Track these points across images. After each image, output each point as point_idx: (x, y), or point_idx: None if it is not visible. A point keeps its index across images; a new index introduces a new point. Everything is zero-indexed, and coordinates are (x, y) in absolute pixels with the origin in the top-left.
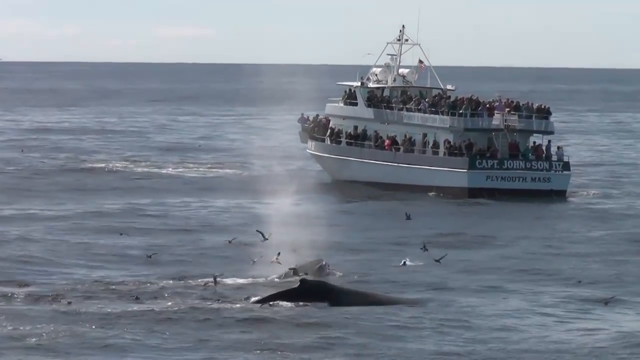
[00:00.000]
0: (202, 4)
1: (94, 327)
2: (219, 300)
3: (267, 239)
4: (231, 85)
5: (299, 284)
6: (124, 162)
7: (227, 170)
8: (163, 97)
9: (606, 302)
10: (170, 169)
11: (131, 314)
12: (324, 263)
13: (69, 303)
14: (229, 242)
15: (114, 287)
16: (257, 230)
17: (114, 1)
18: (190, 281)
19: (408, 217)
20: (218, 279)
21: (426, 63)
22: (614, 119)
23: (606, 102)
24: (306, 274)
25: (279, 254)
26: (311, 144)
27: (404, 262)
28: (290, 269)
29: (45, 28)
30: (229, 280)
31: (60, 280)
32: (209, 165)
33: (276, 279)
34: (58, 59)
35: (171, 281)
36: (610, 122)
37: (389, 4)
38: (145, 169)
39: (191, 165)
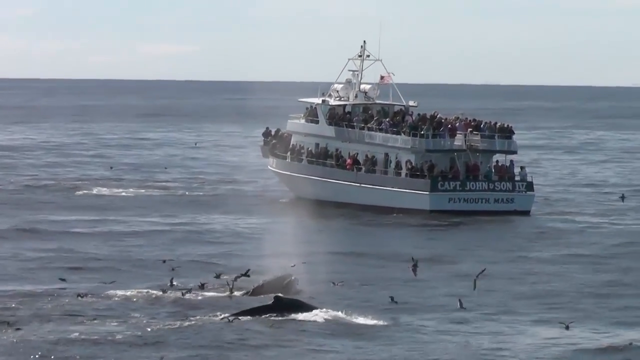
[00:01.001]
0: (186, 22)
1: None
2: (185, 317)
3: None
4: (210, 101)
5: (273, 301)
6: (73, 182)
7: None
8: (139, 113)
9: (567, 326)
10: (128, 189)
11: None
12: (292, 278)
13: None
14: (163, 261)
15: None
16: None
17: (98, 18)
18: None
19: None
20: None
21: (389, 76)
22: (582, 136)
23: (576, 120)
24: (276, 289)
25: (248, 270)
26: (272, 160)
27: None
28: (258, 285)
29: (29, 44)
30: (194, 296)
31: None
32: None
33: (243, 295)
34: (41, 76)
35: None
36: (578, 139)
37: (351, 20)
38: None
39: (150, 184)
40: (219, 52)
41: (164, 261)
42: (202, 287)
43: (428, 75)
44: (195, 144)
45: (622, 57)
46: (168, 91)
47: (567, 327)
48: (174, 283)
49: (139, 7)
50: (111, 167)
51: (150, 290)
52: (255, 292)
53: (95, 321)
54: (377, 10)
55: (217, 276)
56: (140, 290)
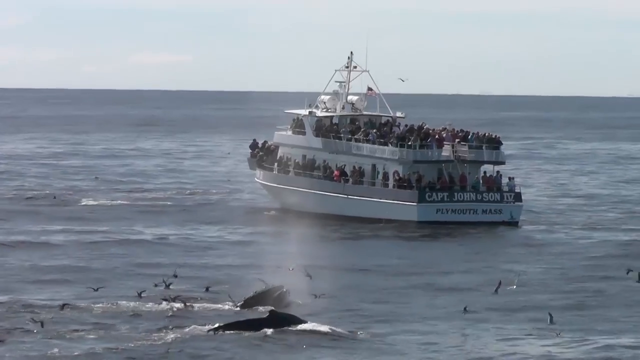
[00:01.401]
0: (178, 31)
1: None
2: (173, 328)
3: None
4: (200, 111)
5: (268, 314)
6: (58, 191)
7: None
8: (129, 123)
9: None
10: (114, 200)
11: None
12: (284, 290)
13: None
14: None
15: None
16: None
17: (90, 27)
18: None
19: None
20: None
21: (376, 90)
22: (573, 146)
23: (568, 130)
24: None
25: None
26: (259, 172)
27: None
28: (249, 297)
29: (21, 53)
30: (181, 307)
31: None
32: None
33: (235, 307)
34: (33, 86)
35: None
36: (569, 150)
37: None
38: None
39: (136, 194)
40: (211, 62)
41: (163, 281)
42: (174, 299)
43: (421, 85)
44: (228, 154)
45: (618, 68)
46: (160, 101)
47: (557, 335)
48: (165, 294)
49: (132, 17)
50: (96, 177)
51: (132, 302)
52: (246, 303)
53: (76, 335)
54: (366, 20)
55: (167, 285)
56: (122, 301)
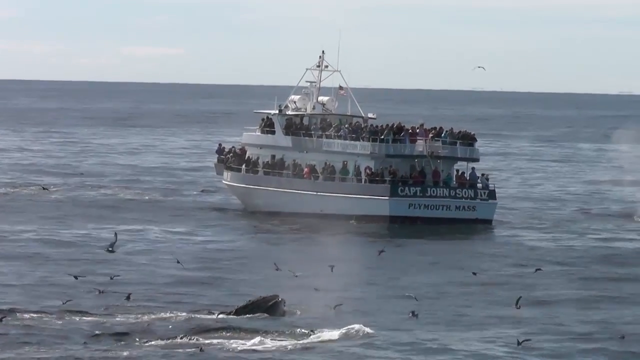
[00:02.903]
0: (171, 24)
1: None
2: (160, 339)
3: None
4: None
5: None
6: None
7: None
8: (116, 117)
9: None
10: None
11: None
12: (279, 299)
13: None
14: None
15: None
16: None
17: (83, 20)
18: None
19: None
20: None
21: (346, 90)
22: (557, 145)
23: (552, 128)
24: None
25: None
26: (227, 174)
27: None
28: (241, 305)
29: (14, 46)
30: (174, 314)
31: None
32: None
33: (227, 315)
34: (26, 77)
35: None
36: (551, 148)
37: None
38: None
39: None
40: (204, 55)
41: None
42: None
43: (395, 82)
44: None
45: (609, 65)
46: (152, 94)
47: (519, 343)
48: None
49: (124, 9)
50: (79, 174)
51: (91, 313)
52: (238, 312)
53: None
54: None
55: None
56: (85, 310)
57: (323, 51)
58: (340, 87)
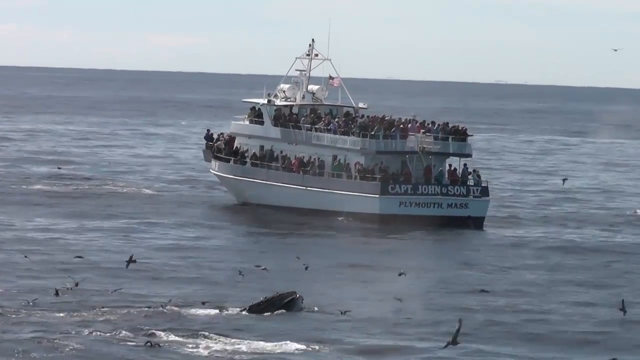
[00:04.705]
0: (195, 13)
1: None
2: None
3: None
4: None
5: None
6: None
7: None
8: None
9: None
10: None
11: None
12: (297, 296)
13: None
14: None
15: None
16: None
17: (107, 9)
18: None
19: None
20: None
21: (338, 79)
22: (548, 140)
23: (545, 122)
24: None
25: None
26: (215, 163)
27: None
28: (255, 302)
29: (38, 34)
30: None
31: None
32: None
33: (240, 312)
34: (49, 65)
35: None
36: (542, 143)
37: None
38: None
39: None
40: (226, 44)
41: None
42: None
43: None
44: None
45: (605, 59)
46: (171, 83)
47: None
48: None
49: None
50: (59, 167)
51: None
52: (251, 309)
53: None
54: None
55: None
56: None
57: (313, 39)
58: (331, 77)
